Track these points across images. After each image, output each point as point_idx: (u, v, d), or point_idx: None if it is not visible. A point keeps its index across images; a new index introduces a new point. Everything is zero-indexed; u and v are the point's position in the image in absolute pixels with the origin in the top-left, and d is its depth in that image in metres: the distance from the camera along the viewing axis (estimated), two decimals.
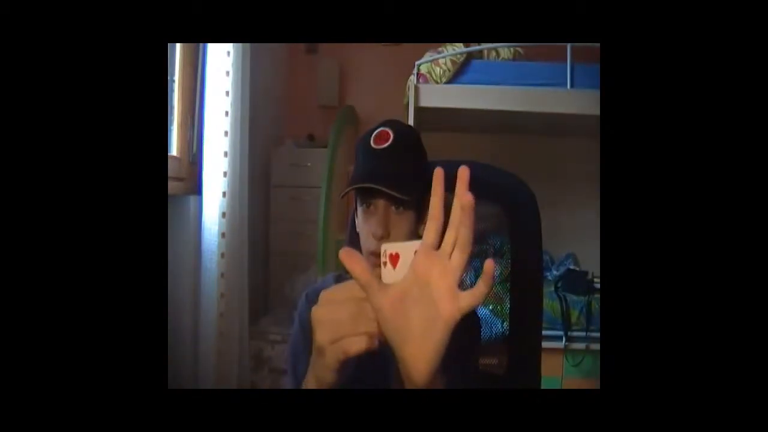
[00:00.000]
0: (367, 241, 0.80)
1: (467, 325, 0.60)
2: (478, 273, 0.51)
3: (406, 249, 0.55)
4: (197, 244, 1.92)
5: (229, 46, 1.95)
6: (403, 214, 0.79)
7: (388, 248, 0.57)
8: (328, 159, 2.49)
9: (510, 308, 1.03)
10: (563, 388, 2.34)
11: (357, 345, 0.53)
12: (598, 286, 2.41)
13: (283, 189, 2.84)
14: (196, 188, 1.95)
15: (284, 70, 3.21)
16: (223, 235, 1.93)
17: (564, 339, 2.32)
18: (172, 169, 1.87)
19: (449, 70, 2.36)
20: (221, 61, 1.93)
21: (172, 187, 1.85)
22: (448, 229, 0.52)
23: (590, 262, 2.64)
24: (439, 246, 0.52)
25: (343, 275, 0.87)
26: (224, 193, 1.93)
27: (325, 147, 2.59)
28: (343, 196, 0.83)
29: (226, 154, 1.94)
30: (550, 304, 2.31)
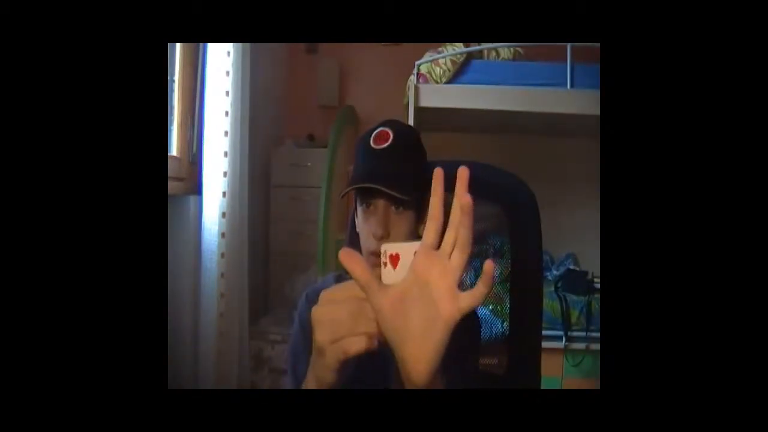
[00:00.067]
0: (367, 241, 0.80)
1: (467, 325, 0.60)
2: (478, 273, 0.51)
3: (407, 250, 0.55)
4: (197, 244, 1.92)
5: (229, 46, 1.95)
6: (403, 214, 0.79)
7: (388, 249, 0.57)
8: (328, 159, 2.49)
9: (510, 308, 1.03)
10: (563, 388, 2.34)
11: (357, 345, 0.53)
12: (598, 286, 2.41)
13: (283, 189, 2.84)
14: (196, 188, 1.95)
15: (284, 70, 3.21)
16: (223, 235, 1.93)
17: (564, 339, 2.32)
18: (172, 169, 1.87)
19: (449, 70, 2.36)
20: (221, 61, 1.93)
21: (172, 187, 1.85)
22: (447, 230, 0.52)
23: (590, 262, 2.64)
24: (439, 246, 0.52)
25: (343, 275, 0.87)
26: (224, 193, 1.93)
27: (325, 147, 2.59)
28: (342, 196, 0.83)
29: (226, 154, 1.94)
30: (550, 304, 2.31)
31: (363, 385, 0.63)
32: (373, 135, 0.81)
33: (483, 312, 1.04)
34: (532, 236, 1.02)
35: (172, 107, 1.93)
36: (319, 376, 0.57)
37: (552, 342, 2.30)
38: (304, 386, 0.61)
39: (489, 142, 3.00)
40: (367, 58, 3.19)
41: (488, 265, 0.49)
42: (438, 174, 0.53)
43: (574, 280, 2.46)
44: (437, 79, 2.37)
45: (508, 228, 1.03)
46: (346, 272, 0.52)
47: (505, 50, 2.54)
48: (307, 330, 0.63)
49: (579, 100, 2.26)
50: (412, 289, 0.52)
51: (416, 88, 2.34)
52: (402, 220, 0.79)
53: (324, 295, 0.57)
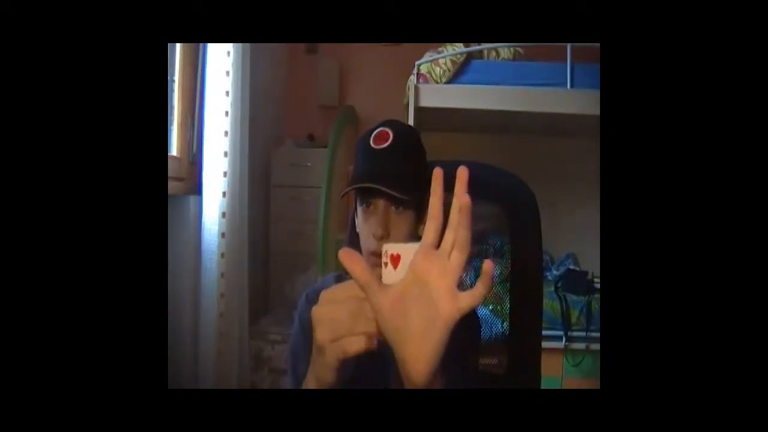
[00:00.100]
0: (367, 241, 0.80)
1: (467, 325, 0.60)
2: (478, 273, 0.51)
3: (407, 250, 0.55)
4: (197, 244, 1.92)
5: (229, 46, 1.95)
6: (403, 213, 0.79)
7: (389, 249, 0.57)
8: (328, 159, 2.49)
9: (510, 308, 1.03)
10: (563, 388, 2.34)
11: (356, 344, 0.53)
12: (598, 286, 2.41)
13: (283, 189, 2.84)
14: (196, 188, 1.95)
15: (284, 70, 3.21)
16: (223, 235, 1.93)
17: (564, 339, 2.32)
18: (172, 169, 1.87)
19: (449, 70, 2.36)
20: (221, 61, 1.93)
21: (172, 187, 1.85)
22: (447, 230, 0.52)
23: (590, 262, 2.64)
24: (438, 246, 0.52)
25: (343, 275, 0.87)
26: (224, 193, 1.93)
27: (325, 147, 2.59)
28: (342, 196, 0.83)
29: (226, 154, 1.94)
30: (550, 304, 2.31)
31: (363, 385, 0.63)
32: (373, 135, 0.81)
33: (483, 312, 1.04)
34: (532, 236, 1.02)
35: (172, 107, 1.93)
36: (319, 375, 0.57)
37: (552, 342, 2.29)
38: (304, 386, 0.61)
39: (489, 142, 2.99)
40: (367, 58, 3.19)
41: (487, 265, 0.49)
42: (437, 174, 0.53)
43: (574, 280, 2.46)
44: (437, 79, 2.37)
45: (508, 228, 1.03)
46: (346, 272, 0.52)
47: (505, 50, 2.54)
48: (307, 330, 0.63)
49: (579, 100, 2.25)
50: (411, 288, 0.52)
51: (416, 88, 2.34)
52: (402, 220, 0.79)
53: (324, 295, 0.57)
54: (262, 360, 2.35)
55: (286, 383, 0.86)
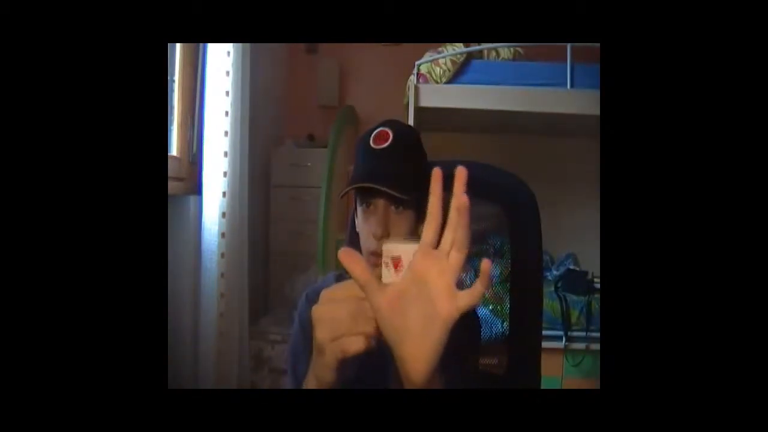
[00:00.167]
0: (367, 240, 0.80)
1: (467, 324, 0.60)
2: (478, 273, 0.51)
3: (408, 251, 0.56)
4: (197, 244, 1.92)
5: (229, 46, 1.95)
6: (403, 213, 0.79)
7: (390, 250, 0.57)
8: (328, 159, 2.49)
9: (510, 308, 1.03)
10: (563, 388, 2.34)
11: (356, 344, 0.53)
12: (598, 286, 2.41)
13: (283, 189, 2.84)
14: (196, 188, 1.95)
15: (284, 70, 3.21)
16: (223, 235, 1.93)
17: (564, 339, 2.32)
18: (172, 169, 1.87)
19: (449, 70, 2.36)
20: (221, 61, 1.93)
21: (172, 187, 1.85)
22: (446, 229, 0.52)
23: (590, 262, 2.64)
24: (437, 245, 0.53)
25: (343, 275, 0.87)
26: (224, 193, 1.93)
27: (325, 147, 2.59)
28: (342, 196, 0.83)
29: (226, 154, 1.94)
30: (550, 304, 2.31)
31: (363, 385, 0.63)
32: (372, 135, 0.81)
33: (483, 312, 1.04)
34: (532, 236, 1.02)
35: (172, 107, 1.93)
36: (318, 375, 0.57)
37: (552, 342, 2.29)
38: (304, 386, 0.61)
39: (489, 142, 2.99)
40: (367, 58, 3.19)
41: (485, 264, 0.50)
42: (436, 174, 0.53)
43: (574, 280, 2.46)
44: (437, 79, 2.37)
45: (508, 228, 1.03)
46: (346, 272, 0.52)
47: (505, 50, 2.54)
48: (307, 330, 0.63)
49: (579, 100, 2.25)
50: (410, 288, 0.52)
51: (416, 88, 2.34)
52: (402, 220, 0.79)
53: (324, 294, 0.57)
54: (262, 360, 2.35)
55: (286, 383, 0.86)
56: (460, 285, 0.51)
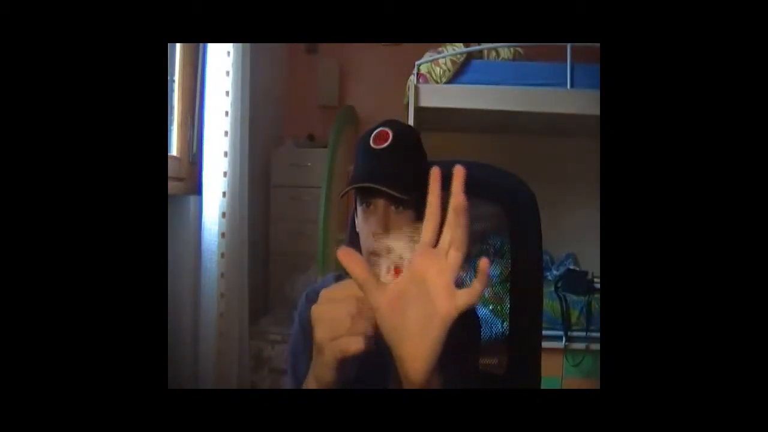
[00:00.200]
0: (367, 240, 0.80)
1: (466, 324, 0.60)
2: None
3: (404, 248, 0.56)
4: (197, 244, 1.92)
5: (229, 46, 1.94)
6: (403, 213, 0.79)
7: (394, 262, 0.57)
8: (328, 159, 2.49)
9: (510, 308, 1.03)
10: (563, 388, 2.34)
11: (355, 344, 0.53)
12: (598, 286, 2.41)
13: (283, 189, 2.84)
14: (196, 188, 1.95)
15: (284, 70, 3.20)
16: (223, 235, 1.93)
17: (564, 339, 2.32)
18: (172, 169, 1.87)
19: (449, 70, 2.36)
20: (221, 61, 1.93)
21: (172, 187, 1.85)
22: (444, 229, 0.52)
23: (590, 262, 2.64)
24: (436, 245, 0.53)
25: (343, 275, 0.87)
26: (224, 193, 1.93)
27: (325, 147, 2.59)
28: (342, 196, 0.83)
29: (226, 154, 1.94)
30: (550, 304, 2.31)
31: (363, 385, 0.63)
32: (372, 135, 0.81)
33: (483, 312, 1.04)
34: (532, 236, 1.02)
35: (172, 107, 1.93)
36: (318, 375, 0.57)
37: (552, 342, 2.29)
38: (304, 386, 0.61)
39: (489, 142, 2.99)
40: (367, 58, 3.19)
41: (482, 263, 0.50)
42: (435, 173, 0.54)
43: (574, 280, 2.46)
44: (437, 79, 2.37)
45: (508, 228, 1.03)
46: (346, 272, 0.52)
47: (505, 50, 2.54)
48: (307, 330, 0.63)
49: (579, 100, 2.25)
50: (409, 287, 0.52)
51: (416, 88, 2.34)
52: (402, 220, 0.79)
53: (323, 294, 0.58)
54: (262, 360, 2.35)
55: (286, 383, 0.86)
56: (461, 284, 0.51)
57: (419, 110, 2.33)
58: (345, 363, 0.55)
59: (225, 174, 1.94)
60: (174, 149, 1.94)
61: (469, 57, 2.42)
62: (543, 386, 1.05)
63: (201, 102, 1.95)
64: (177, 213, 1.91)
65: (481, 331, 0.93)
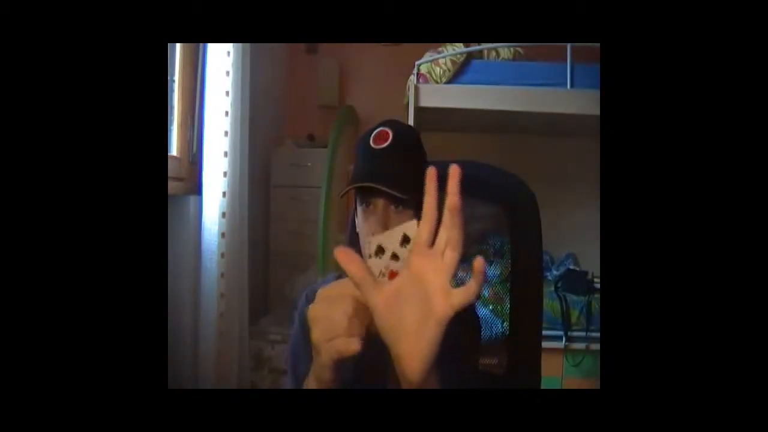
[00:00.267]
0: (366, 240, 0.80)
1: (465, 323, 0.60)
2: None
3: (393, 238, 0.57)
4: (197, 244, 1.92)
5: (229, 46, 1.95)
6: (403, 213, 0.79)
7: (391, 265, 0.57)
8: (328, 159, 2.49)
9: (510, 308, 1.03)
10: (563, 388, 2.34)
11: (351, 345, 0.53)
12: (598, 286, 2.41)
13: (283, 189, 2.84)
14: (196, 188, 1.95)
15: (284, 70, 3.21)
16: (223, 235, 1.93)
17: (564, 339, 2.32)
18: (172, 169, 1.87)
19: (449, 70, 2.36)
20: (221, 61, 1.93)
21: (172, 187, 1.85)
22: (441, 228, 0.52)
23: (590, 262, 2.64)
24: (433, 244, 0.53)
25: (343, 275, 0.87)
26: (224, 193, 1.93)
27: (325, 147, 2.59)
28: (342, 196, 0.83)
29: (226, 154, 1.94)
30: (550, 304, 2.31)
31: (361, 384, 0.63)
32: (372, 135, 0.81)
33: (483, 312, 1.04)
34: (532, 236, 1.02)
35: (172, 107, 1.93)
36: (317, 374, 0.57)
37: (552, 342, 2.29)
38: (305, 385, 0.61)
39: (489, 142, 3.00)
40: (367, 58, 3.19)
41: (478, 262, 0.50)
42: (431, 173, 0.54)
43: (574, 280, 2.46)
44: (437, 79, 2.37)
45: (508, 228, 1.03)
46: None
47: (505, 50, 2.54)
48: (306, 330, 0.63)
49: (579, 100, 2.25)
50: (406, 286, 0.52)
51: (416, 88, 2.34)
52: (402, 220, 0.79)
53: (320, 293, 0.58)
54: (262, 360, 2.35)
55: (286, 383, 0.86)
56: (461, 285, 0.51)
57: (419, 110, 2.33)
58: (342, 363, 0.55)
59: (225, 174, 1.94)
60: (174, 149, 1.94)
61: (469, 57, 2.42)
62: (543, 386, 1.05)
63: (201, 102, 1.95)
64: (177, 213, 1.91)
65: (481, 331, 0.93)
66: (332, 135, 2.58)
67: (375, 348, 0.54)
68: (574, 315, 2.34)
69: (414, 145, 0.84)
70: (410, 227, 0.57)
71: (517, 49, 2.55)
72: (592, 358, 2.31)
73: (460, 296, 0.50)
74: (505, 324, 1.03)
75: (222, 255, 1.92)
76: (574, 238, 2.88)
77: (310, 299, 0.59)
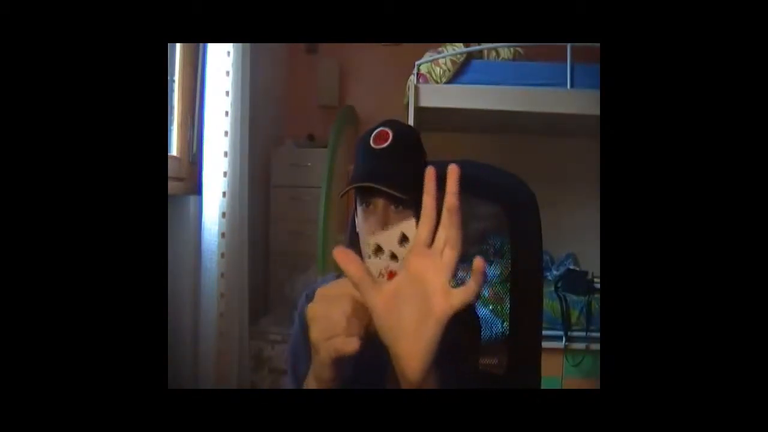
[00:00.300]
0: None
1: (464, 323, 0.60)
2: None
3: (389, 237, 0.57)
4: (197, 244, 1.92)
5: (229, 46, 1.95)
6: (403, 213, 0.79)
7: (390, 266, 0.57)
8: (328, 159, 2.49)
9: (510, 308, 1.03)
10: (563, 388, 2.34)
11: (350, 345, 0.53)
12: (598, 286, 2.41)
13: (283, 189, 2.84)
14: (196, 188, 1.95)
15: (284, 70, 3.21)
16: (223, 235, 1.93)
17: (564, 339, 2.32)
18: (172, 169, 1.87)
19: (449, 70, 2.36)
20: (221, 61, 1.93)
21: (172, 187, 1.85)
22: (439, 228, 0.52)
23: (590, 262, 2.64)
24: (432, 244, 0.53)
25: (342, 275, 0.87)
26: (224, 193, 1.93)
27: (325, 147, 2.59)
28: (342, 195, 0.83)
29: (226, 154, 1.94)
30: (550, 304, 2.31)
31: (360, 383, 0.63)
32: (372, 135, 0.82)
33: (483, 312, 1.04)
34: (532, 236, 1.02)
35: (172, 107, 1.93)
36: (316, 373, 0.57)
37: (552, 342, 2.29)
38: (305, 385, 0.61)
39: (489, 142, 3.00)
40: (367, 58, 3.19)
41: (477, 262, 0.50)
42: (430, 173, 0.54)
43: (574, 280, 2.46)
44: (437, 79, 2.37)
45: (508, 228, 1.03)
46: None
47: (505, 50, 2.54)
48: (306, 330, 0.63)
49: (579, 100, 2.26)
50: (405, 286, 0.52)
51: (416, 88, 2.34)
52: (402, 219, 0.79)
53: (319, 292, 0.58)
54: (262, 360, 2.35)
55: (286, 383, 0.86)
56: (460, 284, 0.51)
57: (419, 110, 2.34)
58: (341, 362, 0.55)
59: (225, 174, 1.94)
60: (174, 149, 1.94)
61: (469, 57, 2.42)
62: (543, 386, 1.05)
63: (201, 102, 1.95)
64: (177, 213, 1.91)
65: (480, 331, 0.93)
66: (332, 135, 2.58)
67: (374, 348, 0.54)
68: (574, 315, 2.34)
69: (414, 145, 0.84)
70: (408, 226, 0.57)
71: (517, 49, 2.56)
72: (592, 358, 2.31)
73: (460, 296, 0.50)
74: (505, 324, 1.03)
75: (222, 255, 1.92)
76: (574, 238, 2.88)
77: (311, 299, 0.59)
